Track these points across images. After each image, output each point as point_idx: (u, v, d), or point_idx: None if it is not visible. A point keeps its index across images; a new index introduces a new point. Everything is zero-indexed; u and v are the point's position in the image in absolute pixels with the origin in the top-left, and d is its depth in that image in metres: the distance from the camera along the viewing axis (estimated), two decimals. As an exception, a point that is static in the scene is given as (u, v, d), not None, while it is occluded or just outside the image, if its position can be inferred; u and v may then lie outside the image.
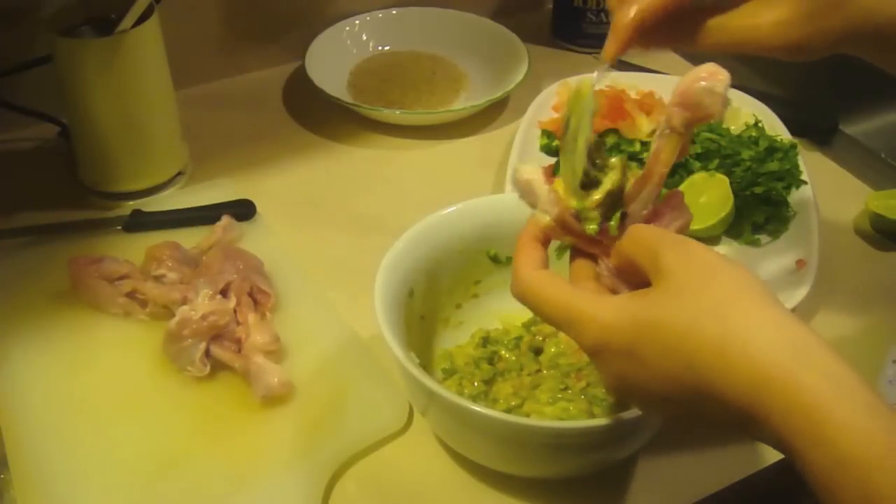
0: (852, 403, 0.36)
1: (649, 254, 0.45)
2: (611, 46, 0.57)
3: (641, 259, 0.46)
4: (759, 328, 0.39)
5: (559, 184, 0.52)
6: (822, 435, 0.36)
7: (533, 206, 0.53)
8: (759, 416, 0.38)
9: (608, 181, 0.52)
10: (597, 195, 0.51)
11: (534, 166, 0.53)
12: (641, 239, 0.47)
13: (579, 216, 0.51)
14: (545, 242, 0.52)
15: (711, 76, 0.49)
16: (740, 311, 0.40)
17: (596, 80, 0.55)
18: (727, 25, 0.57)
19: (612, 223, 0.51)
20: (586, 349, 0.46)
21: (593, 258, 0.52)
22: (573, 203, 0.51)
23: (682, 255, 0.44)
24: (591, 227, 0.51)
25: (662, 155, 0.51)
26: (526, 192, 0.53)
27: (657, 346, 0.42)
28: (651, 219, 0.52)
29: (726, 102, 0.50)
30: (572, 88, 0.53)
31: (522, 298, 0.50)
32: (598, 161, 0.52)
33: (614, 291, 0.50)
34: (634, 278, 0.48)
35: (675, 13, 0.57)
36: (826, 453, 0.36)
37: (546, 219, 0.52)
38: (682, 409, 0.44)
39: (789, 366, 0.37)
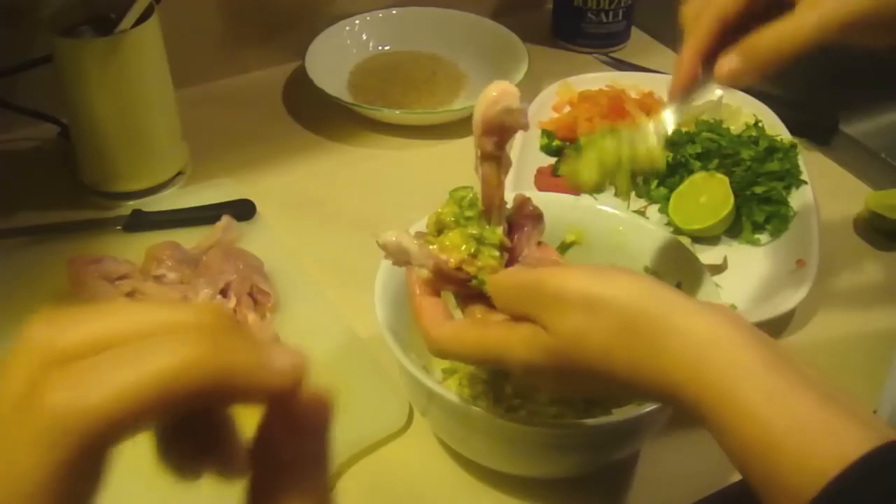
0: (754, 392, 0.40)
1: (531, 308, 0.47)
2: (679, 76, 0.57)
3: (525, 311, 0.47)
4: (665, 340, 0.43)
5: (432, 238, 0.53)
6: (725, 424, 0.40)
7: (405, 264, 0.53)
8: (681, 407, 0.43)
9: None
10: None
11: (394, 230, 0.53)
12: (515, 299, 0.48)
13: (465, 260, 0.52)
14: (436, 293, 0.53)
15: (503, 95, 0.50)
16: (646, 327, 0.43)
17: (669, 121, 0.57)
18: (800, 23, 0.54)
19: (483, 277, 0.51)
20: (518, 376, 0.50)
21: (482, 298, 0.52)
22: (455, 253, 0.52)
23: (557, 302, 0.45)
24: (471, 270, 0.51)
25: (491, 179, 0.53)
26: (396, 253, 0.53)
27: (579, 374, 0.46)
28: (513, 231, 0.54)
29: (526, 111, 0.51)
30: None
31: (443, 357, 0.52)
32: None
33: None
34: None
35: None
36: (731, 439, 0.40)
37: (425, 272, 0.52)
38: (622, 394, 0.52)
39: (695, 369, 0.41)
